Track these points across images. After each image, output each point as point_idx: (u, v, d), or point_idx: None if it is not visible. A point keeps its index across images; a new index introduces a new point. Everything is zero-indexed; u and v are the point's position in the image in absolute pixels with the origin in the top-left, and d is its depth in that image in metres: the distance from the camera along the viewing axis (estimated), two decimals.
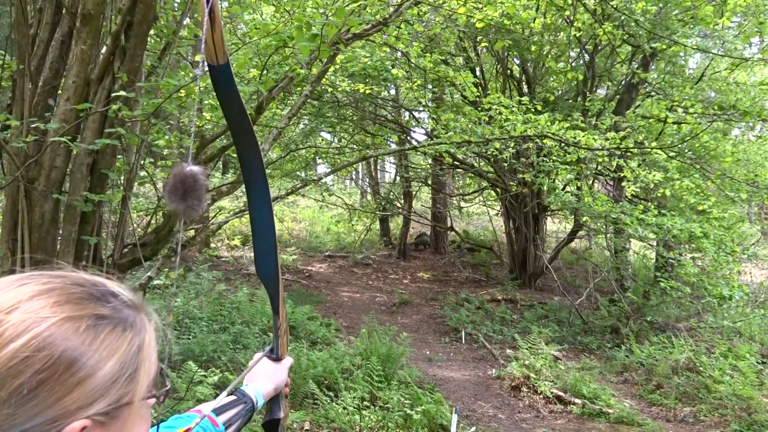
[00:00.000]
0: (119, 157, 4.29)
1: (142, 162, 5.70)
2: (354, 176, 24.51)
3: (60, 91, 3.96)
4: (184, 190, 0.97)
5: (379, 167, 23.60)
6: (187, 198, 0.97)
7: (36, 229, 3.83)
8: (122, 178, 4.23)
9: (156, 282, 8.55)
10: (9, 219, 3.88)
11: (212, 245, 16.13)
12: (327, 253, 17.59)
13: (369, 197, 20.72)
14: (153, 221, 4.52)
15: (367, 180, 20.26)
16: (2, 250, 3.91)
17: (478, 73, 13.46)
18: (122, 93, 3.29)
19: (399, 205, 18.23)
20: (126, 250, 4.28)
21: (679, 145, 9.08)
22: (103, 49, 4.01)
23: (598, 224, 11.55)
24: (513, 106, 7.20)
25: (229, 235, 18.07)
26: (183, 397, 5.19)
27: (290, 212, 21.26)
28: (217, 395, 4.65)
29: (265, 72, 3.97)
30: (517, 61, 13.98)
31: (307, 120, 13.95)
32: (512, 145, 9.16)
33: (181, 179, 0.97)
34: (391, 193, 18.63)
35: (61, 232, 3.94)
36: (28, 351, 0.72)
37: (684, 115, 7.99)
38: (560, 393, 7.48)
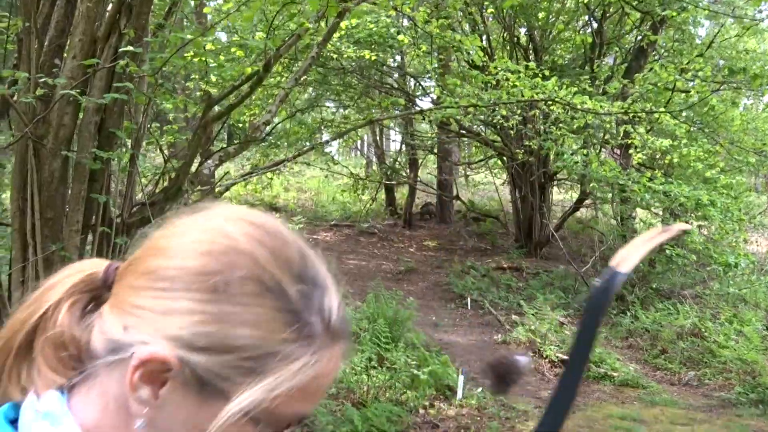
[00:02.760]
0: (127, 121, 4.29)
1: (149, 126, 5.70)
2: (360, 146, 24.45)
3: (66, 50, 3.95)
4: (505, 374, 1.07)
5: (385, 136, 23.54)
6: (505, 381, 1.07)
7: (45, 187, 3.84)
8: (131, 137, 4.23)
9: None
10: (18, 177, 3.89)
11: None
12: (333, 222, 17.62)
13: (375, 167, 20.67)
14: (162, 181, 4.54)
15: (373, 149, 20.20)
16: (12, 208, 3.93)
17: (484, 41, 13.32)
18: (129, 48, 3.28)
19: (404, 174, 18.19)
20: (135, 209, 4.30)
21: (687, 111, 9.00)
22: (109, 7, 3.98)
23: (605, 192, 11.53)
24: (520, 71, 7.14)
25: (235, 204, 18.08)
26: None
27: (296, 182, 21.24)
28: None
29: (272, 30, 3.94)
30: (524, 30, 13.83)
31: (312, 89, 13.88)
32: (519, 112, 9.09)
33: (507, 365, 1.06)
34: (397, 162, 18.58)
35: (70, 190, 3.95)
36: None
37: (692, 81, 7.90)
38: (565, 357, 7.54)
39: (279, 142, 14.08)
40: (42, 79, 3.27)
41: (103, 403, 0.67)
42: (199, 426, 0.64)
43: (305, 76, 10.94)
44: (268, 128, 14.30)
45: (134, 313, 0.66)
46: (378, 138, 19.68)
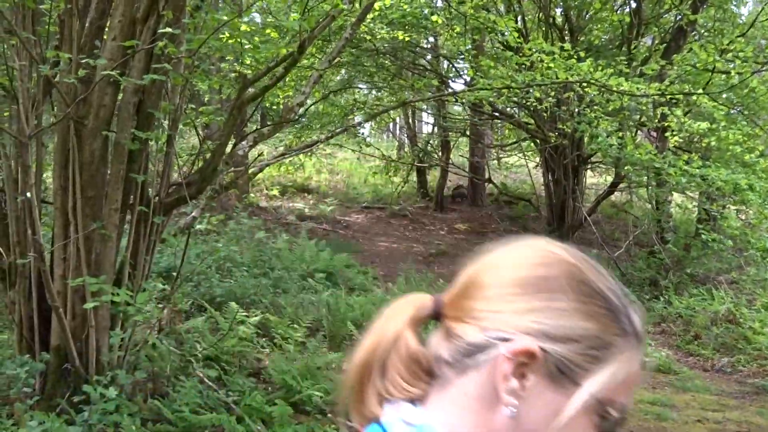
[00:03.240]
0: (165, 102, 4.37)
1: (184, 106, 5.79)
2: (392, 128, 24.40)
3: (106, 31, 4.03)
4: None
5: (417, 118, 23.45)
6: None
7: (86, 166, 3.95)
8: (168, 118, 4.32)
9: (198, 227, 8.76)
10: (60, 156, 4.00)
11: (251, 195, 16.37)
12: (364, 204, 17.69)
13: (407, 149, 20.63)
14: (197, 162, 4.62)
15: (405, 131, 20.15)
16: (54, 186, 4.05)
17: (519, 22, 13.14)
18: (168, 30, 3.34)
19: (436, 156, 18.14)
20: (172, 189, 4.40)
21: (727, 93, 8.79)
22: None
23: (640, 175, 11.36)
24: (554, 53, 7.04)
25: (268, 185, 18.28)
26: (225, 335, 5.37)
27: (328, 164, 21.33)
28: (257, 335, 4.78)
29: (306, 11, 3.96)
30: (560, 10, 13.60)
31: (344, 71, 13.88)
32: (553, 94, 8.98)
33: None
34: (429, 145, 18.52)
35: (109, 170, 4.06)
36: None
37: (733, 62, 7.69)
38: None
39: (312, 124, 14.15)
40: (83, 60, 3.35)
41: (463, 404, 0.78)
42: (555, 412, 0.73)
43: (338, 58, 10.98)
44: (301, 110, 14.37)
45: (488, 317, 0.78)
46: (411, 120, 19.63)
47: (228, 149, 4.76)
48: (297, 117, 4.80)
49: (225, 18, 3.30)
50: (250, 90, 4.30)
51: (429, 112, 20.40)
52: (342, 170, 21.63)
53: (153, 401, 4.10)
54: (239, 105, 4.06)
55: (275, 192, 17.79)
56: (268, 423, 4.17)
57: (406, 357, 0.83)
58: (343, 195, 18.58)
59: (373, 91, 16.64)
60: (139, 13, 3.91)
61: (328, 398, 4.63)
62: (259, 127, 19.76)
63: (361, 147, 16.30)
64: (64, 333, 3.85)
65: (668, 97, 7.39)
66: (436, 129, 18.28)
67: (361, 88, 17.31)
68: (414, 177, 19.44)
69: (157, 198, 4.31)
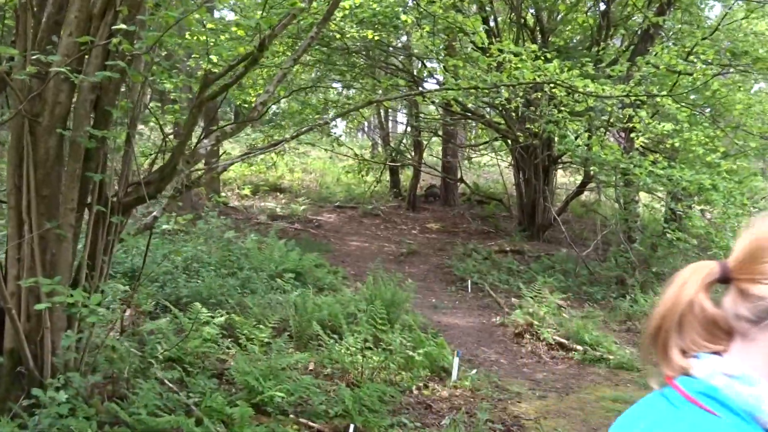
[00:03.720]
0: (123, 100, 4.29)
1: (148, 105, 5.71)
2: (365, 127, 24.37)
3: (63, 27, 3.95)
4: None
5: (391, 118, 23.46)
6: None
7: (41, 165, 3.87)
8: (127, 116, 4.25)
9: (165, 227, 8.65)
10: (15, 155, 3.91)
11: (222, 194, 16.23)
12: (336, 204, 17.65)
13: (380, 149, 20.64)
14: (158, 160, 4.56)
15: (378, 131, 20.15)
16: (8, 185, 3.96)
17: (492, 23, 13.21)
18: (122, 26, 3.28)
19: (409, 156, 18.17)
20: (131, 188, 4.32)
21: (688, 94, 8.93)
22: None
23: (608, 176, 11.49)
24: (521, 53, 7.09)
25: (240, 184, 18.14)
26: (187, 335, 5.31)
27: (301, 163, 21.23)
28: (223, 336, 4.71)
29: (268, 9, 3.92)
30: (532, 11, 13.71)
31: (317, 69, 13.81)
32: (521, 94, 9.04)
33: None
34: (402, 144, 18.54)
35: (65, 169, 3.98)
36: None
37: (695, 63, 7.82)
38: (562, 340, 7.58)
39: (284, 123, 14.07)
40: (35, 56, 3.28)
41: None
42: None
43: (308, 56, 10.93)
44: (273, 108, 14.20)
45: None
46: (383, 120, 19.63)
47: (190, 148, 4.70)
48: (260, 116, 4.74)
49: (177, 15, 3.24)
50: (213, 89, 4.24)
51: (402, 112, 20.45)
52: (315, 169, 21.56)
53: (110, 404, 4.03)
54: (198, 103, 4.01)
55: (247, 191, 17.67)
56: (228, 424, 4.12)
57: (703, 318, 0.97)
58: (315, 194, 18.53)
59: (345, 90, 16.60)
60: (95, 9, 3.84)
61: (291, 399, 4.60)
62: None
63: (333, 146, 16.26)
64: (17, 335, 3.77)
65: (633, 98, 7.48)
66: (408, 129, 18.29)
67: (334, 87, 17.27)
68: (387, 177, 19.45)
69: (115, 198, 4.24)
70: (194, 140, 5.04)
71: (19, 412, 3.64)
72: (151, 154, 4.83)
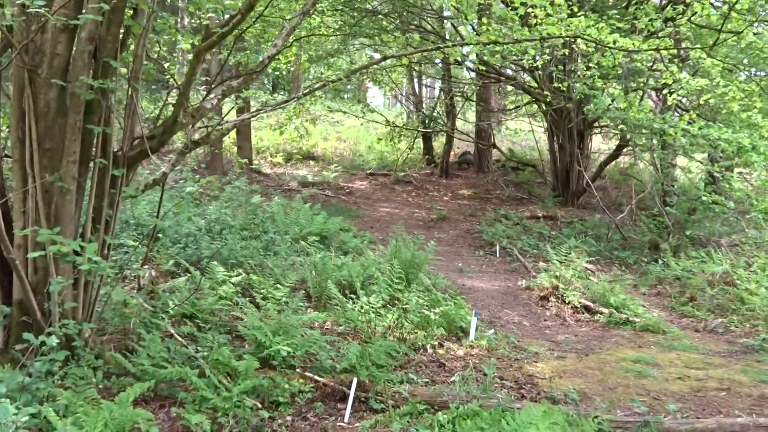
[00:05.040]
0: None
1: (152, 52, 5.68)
2: (400, 95, 24.10)
3: None
4: None
5: (425, 84, 23.11)
6: None
7: (42, 117, 3.88)
8: (128, 69, 4.22)
9: (189, 189, 8.72)
10: (17, 108, 3.93)
11: (255, 162, 16.30)
12: (369, 171, 17.57)
13: (413, 116, 20.41)
14: (162, 114, 4.53)
15: (411, 97, 19.90)
16: (12, 138, 3.99)
17: None
18: None
19: (442, 122, 17.92)
20: (135, 142, 4.31)
21: (733, 51, 8.49)
22: None
23: (643, 139, 11.11)
24: (546, 6, 6.81)
25: (273, 152, 18.20)
26: (195, 291, 5.34)
27: (335, 131, 21.17)
28: (241, 294, 4.72)
29: None
30: None
31: (341, 30, 13.62)
32: (548, 51, 8.74)
33: None
34: (435, 111, 18.28)
35: (68, 121, 3.97)
36: None
37: (730, 17, 7.37)
38: (588, 303, 7.40)
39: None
40: (19, 2, 3.25)
41: None
42: None
43: (332, 19, 10.77)
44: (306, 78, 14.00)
45: None
46: (416, 86, 19.35)
47: (197, 103, 4.66)
48: (262, 69, 4.67)
49: None
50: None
51: (437, 78, 20.10)
52: (348, 138, 21.48)
53: (116, 354, 4.08)
54: (197, 53, 3.96)
55: (279, 159, 17.71)
56: (233, 376, 4.13)
57: None
58: (348, 162, 18.47)
59: (377, 54, 16.37)
60: None
61: (298, 353, 4.59)
62: (271, 95, 19.61)
63: (364, 113, 16.12)
64: (23, 285, 3.82)
65: (664, 53, 7.14)
66: (441, 94, 18.01)
67: (364, 51, 17.06)
68: (420, 144, 19.24)
69: (120, 151, 4.23)
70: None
71: (25, 361, 3.70)
72: (155, 107, 4.80)
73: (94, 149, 4.17)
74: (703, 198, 9.20)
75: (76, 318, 4.00)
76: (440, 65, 16.98)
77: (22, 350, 3.68)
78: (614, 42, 6.99)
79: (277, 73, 13.81)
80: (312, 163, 18.29)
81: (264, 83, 22.90)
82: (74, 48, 3.91)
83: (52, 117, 3.91)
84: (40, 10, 3.11)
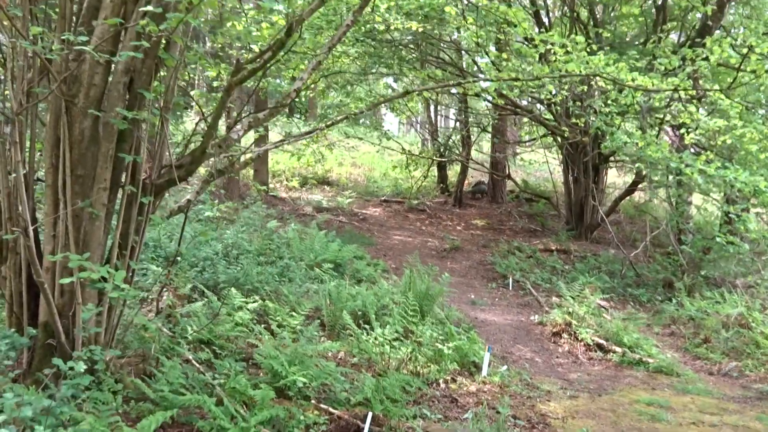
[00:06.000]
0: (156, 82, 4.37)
1: (187, 89, 5.81)
2: (416, 123, 24.28)
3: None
4: None
5: (441, 114, 23.29)
6: None
7: (76, 145, 3.99)
8: (160, 99, 4.33)
9: (208, 214, 8.83)
10: (53, 135, 4.05)
11: (271, 185, 16.44)
12: (383, 198, 17.67)
13: (429, 144, 20.57)
14: (191, 144, 4.64)
15: (427, 126, 20.07)
16: (46, 164, 4.10)
17: (544, 18, 12.96)
18: (149, 8, 3.34)
19: (457, 152, 18.04)
20: (164, 171, 4.41)
21: (739, 89, 8.53)
22: None
23: (659, 175, 11.14)
24: (567, 45, 6.92)
25: (288, 176, 18.36)
26: (215, 317, 5.40)
27: (350, 157, 21.34)
28: (256, 321, 4.80)
29: None
30: (586, 5, 13.40)
31: (362, 60, 13.84)
32: (566, 87, 8.83)
33: None
34: (450, 140, 18.42)
35: (100, 149, 4.08)
36: None
37: (749, 58, 7.43)
38: (601, 341, 7.39)
39: (331, 116, 14.16)
40: (64, 38, 3.37)
41: None
42: None
43: (354, 49, 10.95)
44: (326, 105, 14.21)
45: None
46: (432, 115, 19.52)
47: (222, 133, 4.77)
48: (289, 102, 4.77)
49: None
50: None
51: (453, 108, 20.28)
52: (363, 164, 21.63)
53: (136, 380, 4.13)
54: (228, 87, 4.07)
55: (295, 183, 17.87)
56: (249, 405, 4.17)
57: None
58: (362, 188, 18.59)
59: (395, 83, 16.58)
60: None
61: (314, 384, 4.62)
62: (287, 119, 19.85)
63: (381, 141, 16.27)
64: (50, 308, 3.90)
65: (683, 92, 7.21)
66: (457, 124, 18.16)
67: (384, 81, 17.26)
68: (435, 172, 19.36)
69: (148, 179, 4.33)
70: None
71: (49, 384, 3.76)
72: (184, 138, 4.91)
73: (123, 176, 4.28)
74: (717, 238, 9.19)
75: (98, 342, 4.07)
76: (456, 95, 17.14)
77: (48, 373, 3.74)
78: (633, 80, 7.08)
79: (297, 98, 14.01)
80: (327, 188, 18.43)
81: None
82: (110, 79, 4.04)
83: (86, 145, 4.02)
84: (85, 48, 3.23)
